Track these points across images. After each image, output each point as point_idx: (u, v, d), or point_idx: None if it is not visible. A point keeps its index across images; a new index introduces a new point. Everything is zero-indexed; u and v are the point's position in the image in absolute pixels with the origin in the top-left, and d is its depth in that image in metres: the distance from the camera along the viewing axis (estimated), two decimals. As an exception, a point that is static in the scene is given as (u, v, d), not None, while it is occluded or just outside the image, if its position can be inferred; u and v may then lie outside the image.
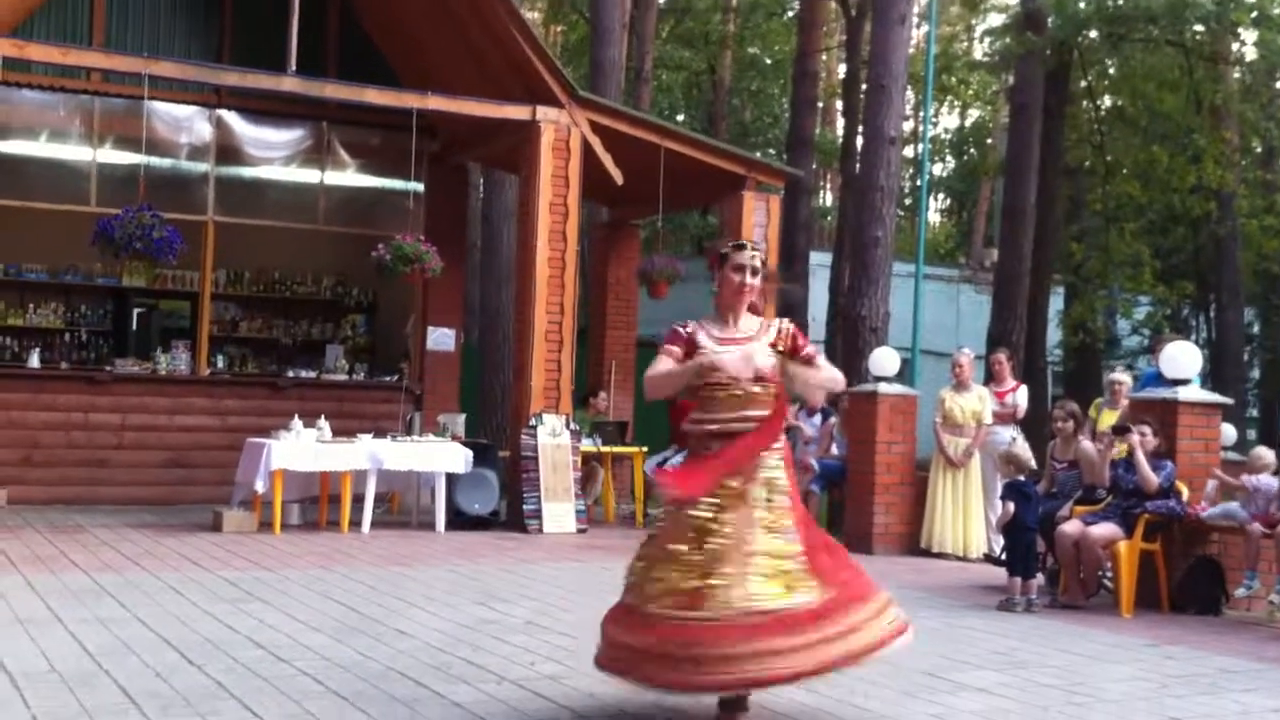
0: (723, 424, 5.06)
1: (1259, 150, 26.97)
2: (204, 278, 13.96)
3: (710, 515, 4.96)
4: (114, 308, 15.73)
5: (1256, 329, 29.63)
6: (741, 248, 5.21)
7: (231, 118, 13.66)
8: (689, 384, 5.14)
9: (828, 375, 5.32)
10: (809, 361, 5.23)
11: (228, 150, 13.69)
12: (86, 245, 11.54)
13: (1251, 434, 25.20)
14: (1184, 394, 9.06)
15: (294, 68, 11.71)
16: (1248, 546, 8.33)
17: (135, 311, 16.23)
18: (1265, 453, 8.82)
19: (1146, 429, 8.68)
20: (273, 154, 14.09)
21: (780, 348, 5.19)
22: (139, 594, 7.77)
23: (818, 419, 12.33)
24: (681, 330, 5.21)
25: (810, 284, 24.19)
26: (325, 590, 8.18)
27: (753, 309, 5.28)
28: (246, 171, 14.05)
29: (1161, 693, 6.05)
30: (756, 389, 5.08)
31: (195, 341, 13.95)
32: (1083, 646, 7.21)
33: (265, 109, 13.66)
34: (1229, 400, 9.77)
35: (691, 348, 5.14)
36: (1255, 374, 29.14)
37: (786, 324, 5.28)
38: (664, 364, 5.13)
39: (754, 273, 5.15)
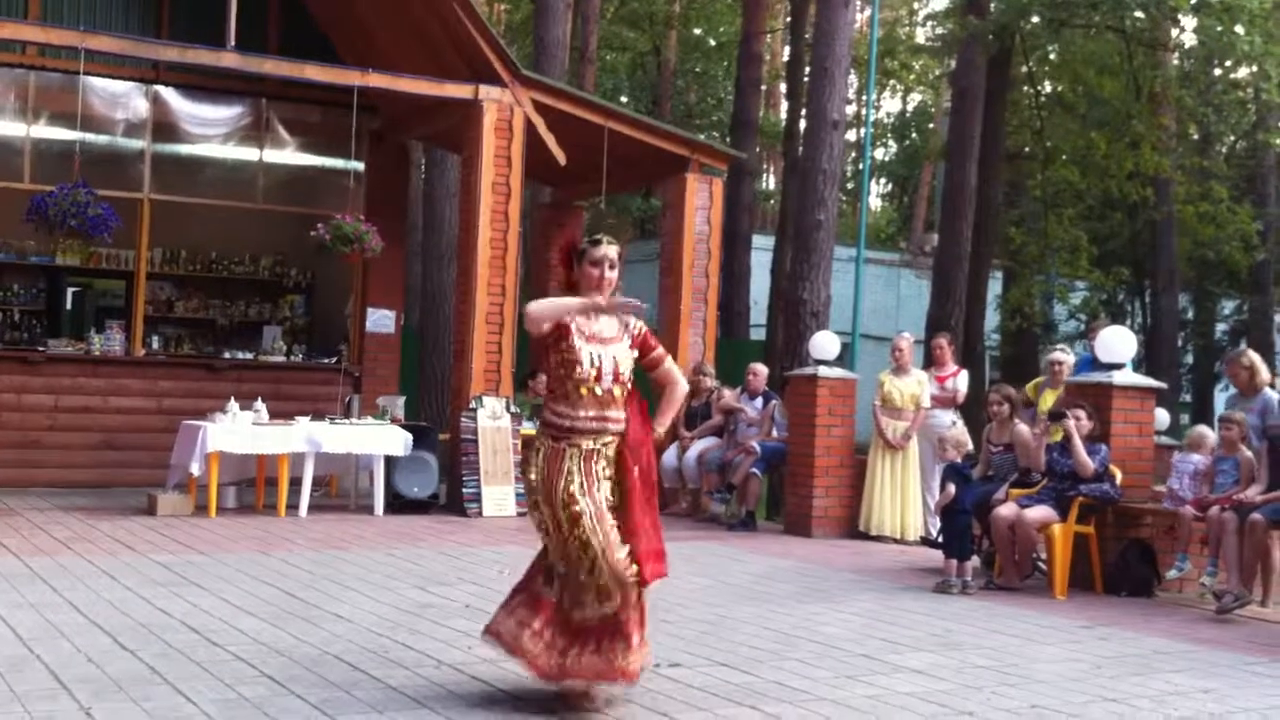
0: (575, 421, 5.15)
1: (1195, 137, 27.29)
2: (139, 256, 13.75)
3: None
4: (47, 286, 15.48)
5: (1191, 314, 30.05)
6: (598, 242, 5.30)
7: (169, 94, 13.46)
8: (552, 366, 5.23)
9: (682, 390, 5.56)
10: (659, 363, 5.42)
11: (165, 127, 13.49)
12: (20, 222, 11.38)
13: (1185, 419, 25.57)
14: (1118, 378, 9.16)
15: (233, 43, 11.56)
16: (1179, 529, 8.45)
17: (69, 290, 15.98)
18: (1206, 432, 8.92)
19: (1081, 413, 8.78)
20: (211, 131, 13.88)
21: (635, 352, 5.33)
22: (71, 578, 7.67)
23: (759, 402, 12.36)
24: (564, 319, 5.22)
25: (751, 267, 24.27)
26: (261, 574, 8.11)
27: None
28: (184, 149, 13.85)
29: (1095, 673, 6.13)
30: (618, 391, 5.21)
31: (130, 322, 13.75)
32: (1017, 628, 7.29)
33: (203, 85, 13.47)
34: (1163, 385, 9.89)
35: (565, 334, 5.17)
36: (1189, 359, 29.57)
37: (639, 325, 5.40)
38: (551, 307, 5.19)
39: (611, 266, 5.26)
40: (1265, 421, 8.71)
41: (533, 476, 5.19)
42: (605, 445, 5.18)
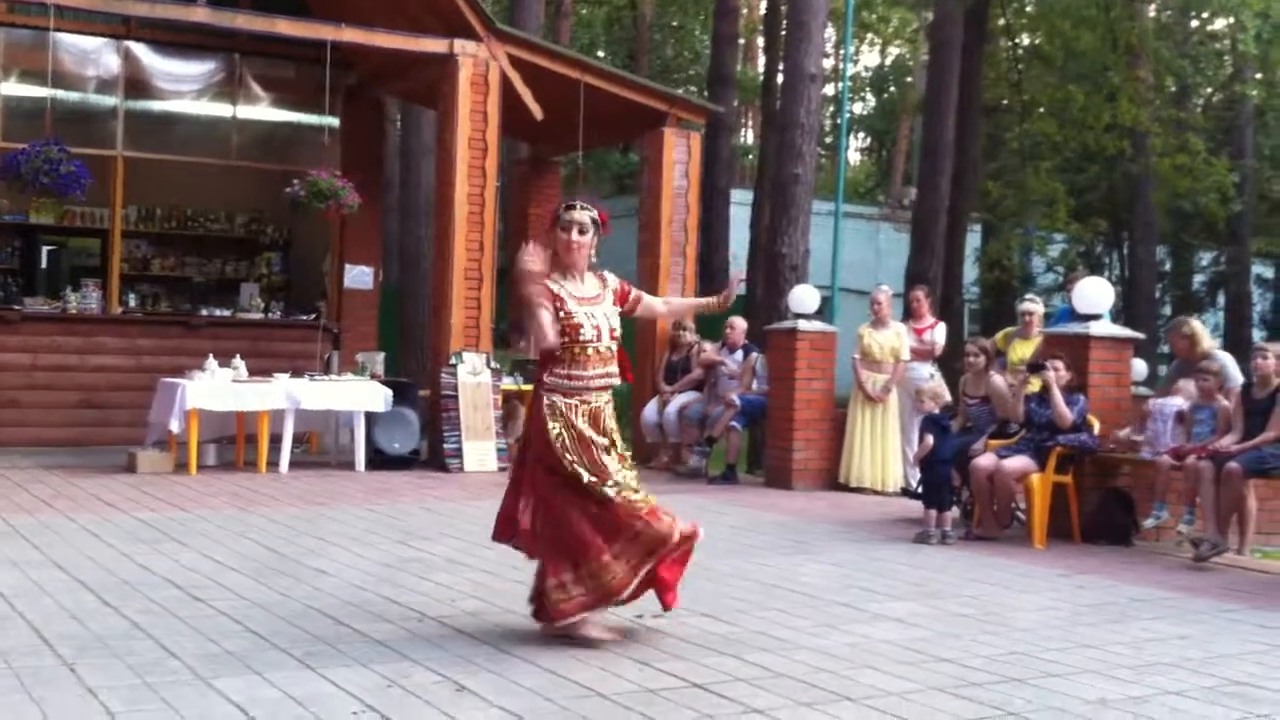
0: (587, 381, 5.38)
1: (1173, 89, 27.28)
2: (114, 214, 13.65)
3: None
4: (22, 245, 15.38)
5: (1168, 266, 30.17)
6: (571, 207, 5.49)
7: (140, 50, 13.31)
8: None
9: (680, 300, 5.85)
10: (639, 300, 5.72)
11: (137, 83, 13.35)
12: (-8, 181, 11.27)
13: (1163, 369, 25.70)
14: (1095, 329, 9.19)
15: (204, -2, 11.46)
16: (1157, 478, 8.51)
17: (44, 249, 15.86)
18: (1187, 384, 8.97)
19: (1059, 364, 8.81)
20: (183, 87, 13.76)
21: (620, 307, 5.59)
22: (53, 536, 7.66)
23: (739, 355, 12.37)
24: (551, 287, 5.39)
25: (731, 222, 24.23)
26: (243, 530, 8.11)
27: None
28: (156, 105, 13.72)
29: (1073, 621, 6.18)
30: (614, 347, 5.45)
31: (106, 280, 13.67)
32: (996, 577, 7.35)
33: (175, 40, 13.32)
34: (1140, 335, 9.93)
35: (558, 302, 5.36)
36: (1167, 310, 29.70)
37: (614, 280, 5.62)
38: (547, 322, 5.33)
39: (581, 230, 5.44)
40: (1225, 385, 8.78)
41: (557, 432, 5.29)
42: (607, 402, 5.43)
